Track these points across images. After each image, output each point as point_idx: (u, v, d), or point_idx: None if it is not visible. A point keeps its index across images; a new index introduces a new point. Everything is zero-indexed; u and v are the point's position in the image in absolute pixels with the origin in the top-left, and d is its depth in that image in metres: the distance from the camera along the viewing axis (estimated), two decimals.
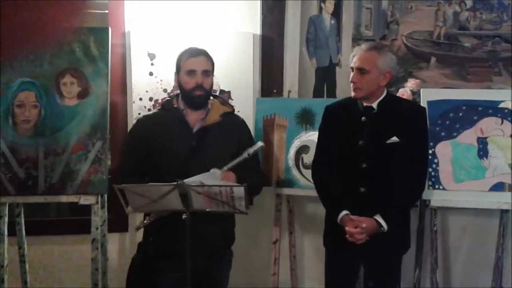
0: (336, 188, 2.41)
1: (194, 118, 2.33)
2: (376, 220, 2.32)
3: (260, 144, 2.35)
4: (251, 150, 2.30)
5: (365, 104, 2.42)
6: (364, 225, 2.31)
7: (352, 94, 2.41)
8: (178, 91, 2.40)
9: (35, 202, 2.77)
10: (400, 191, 2.33)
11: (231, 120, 2.39)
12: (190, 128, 2.30)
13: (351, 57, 2.43)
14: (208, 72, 2.32)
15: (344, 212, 2.36)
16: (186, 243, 2.05)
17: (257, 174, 2.45)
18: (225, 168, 2.22)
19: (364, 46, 2.42)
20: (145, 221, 2.25)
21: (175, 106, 2.35)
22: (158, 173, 2.19)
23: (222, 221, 2.30)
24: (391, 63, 2.39)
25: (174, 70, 2.38)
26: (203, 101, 2.33)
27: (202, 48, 2.37)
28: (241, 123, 2.45)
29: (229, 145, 2.31)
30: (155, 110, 2.46)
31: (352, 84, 2.39)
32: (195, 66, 2.29)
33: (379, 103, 2.41)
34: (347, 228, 2.33)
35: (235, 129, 2.37)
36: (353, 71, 2.39)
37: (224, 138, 2.30)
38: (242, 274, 3.19)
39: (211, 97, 2.41)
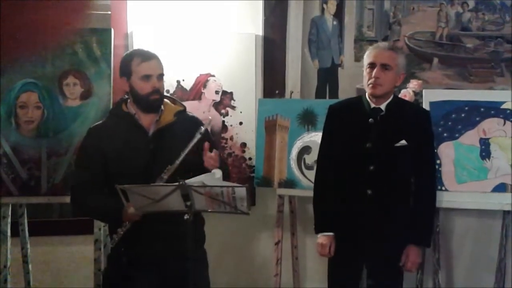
0: (331, 207, 2.43)
1: (148, 121, 2.25)
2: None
3: (209, 120, 2.31)
4: (202, 129, 2.21)
5: (372, 105, 2.41)
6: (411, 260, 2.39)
7: (370, 91, 2.37)
8: (124, 96, 2.31)
9: (38, 202, 2.78)
10: (420, 207, 2.39)
11: (185, 118, 2.33)
12: (146, 131, 2.23)
13: (368, 53, 2.40)
14: (162, 76, 2.26)
15: (330, 234, 2.43)
16: (187, 244, 2.04)
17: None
18: (182, 154, 2.15)
19: (381, 45, 2.44)
20: (118, 233, 2.18)
21: (125, 111, 2.26)
22: (118, 182, 2.07)
23: (192, 221, 2.26)
24: (404, 65, 2.44)
25: (120, 74, 2.26)
26: (159, 104, 2.26)
27: (150, 51, 2.29)
28: (195, 119, 2.37)
29: (186, 143, 2.21)
30: (104, 119, 2.36)
31: (372, 80, 2.34)
32: (150, 70, 2.21)
33: (387, 105, 2.41)
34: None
35: (189, 126, 2.28)
36: (371, 67, 2.35)
37: (181, 136, 2.22)
38: (244, 275, 3.20)
39: None
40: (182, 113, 2.32)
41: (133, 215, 2.11)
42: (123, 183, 2.04)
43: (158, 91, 2.23)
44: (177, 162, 2.15)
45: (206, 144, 2.19)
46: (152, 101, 2.22)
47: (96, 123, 2.35)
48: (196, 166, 2.19)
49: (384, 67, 2.34)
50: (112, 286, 2.28)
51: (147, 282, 2.20)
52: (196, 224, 2.30)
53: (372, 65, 2.36)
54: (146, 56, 2.24)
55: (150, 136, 2.23)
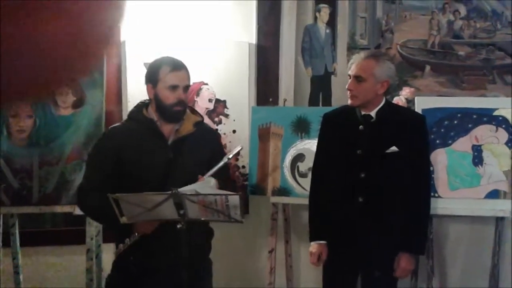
0: (324, 215, 2.44)
1: (169, 130, 2.22)
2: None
3: (239, 148, 2.30)
4: (230, 155, 2.23)
5: (363, 112, 2.41)
6: (402, 267, 2.39)
7: (349, 102, 2.40)
8: (146, 100, 2.28)
9: (29, 212, 2.76)
10: (413, 214, 2.39)
11: (203, 129, 2.32)
12: (165, 140, 2.20)
13: (349, 64, 2.42)
14: (188, 87, 2.23)
15: (322, 242, 2.43)
16: (175, 254, 2.03)
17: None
18: (208, 174, 2.13)
19: (362, 54, 2.41)
20: (125, 243, 2.15)
21: (148, 117, 2.22)
22: (133, 188, 2.05)
23: (199, 232, 2.25)
24: (388, 72, 2.38)
25: (146, 80, 2.22)
26: (182, 116, 2.23)
27: (180, 60, 2.24)
28: (213, 132, 2.40)
29: (204, 155, 2.23)
30: (122, 121, 2.31)
31: (348, 92, 2.38)
32: (178, 81, 2.16)
33: (377, 111, 2.40)
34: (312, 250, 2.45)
35: (208, 138, 2.30)
36: (350, 78, 2.38)
37: (199, 148, 2.22)
38: (238, 284, 3.18)
39: None
40: (200, 124, 2.30)
41: (147, 228, 2.08)
42: (137, 190, 2.02)
43: (182, 103, 2.19)
44: (208, 175, 2.13)
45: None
46: (175, 112, 2.19)
47: (115, 125, 2.31)
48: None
49: (357, 79, 2.34)
50: None
51: None
52: (205, 235, 2.31)
53: (350, 76, 2.38)
54: (176, 66, 2.19)
55: (169, 145, 2.20)
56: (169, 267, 2.14)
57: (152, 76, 2.20)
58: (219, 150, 2.35)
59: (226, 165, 2.23)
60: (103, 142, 2.27)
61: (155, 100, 2.20)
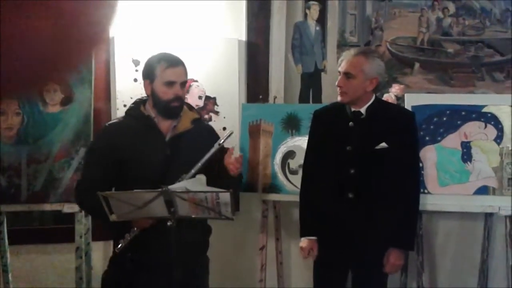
0: (314, 211, 2.44)
1: (166, 126, 2.23)
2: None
3: (229, 132, 2.28)
4: (221, 140, 2.20)
5: (353, 109, 2.42)
6: (391, 263, 2.39)
7: (339, 98, 2.41)
8: (143, 97, 2.28)
9: (18, 210, 2.73)
10: (402, 210, 2.38)
11: (201, 126, 2.33)
12: (163, 136, 2.21)
13: (339, 61, 2.43)
14: (185, 83, 2.25)
15: (313, 238, 2.44)
16: (171, 251, 2.03)
17: (233, 179, 2.37)
18: (199, 164, 2.12)
19: (352, 51, 2.43)
20: (126, 239, 2.13)
21: (146, 114, 2.23)
22: (130, 185, 2.06)
23: (196, 228, 2.25)
24: (378, 69, 2.39)
25: (144, 76, 2.23)
26: (179, 112, 2.24)
27: (177, 56, 2.25)
28: (211, 129, 2.41)
29: (202, 152, 2.20)
30: (120, 118, 2.31)
31: (338, 89, 2.39)
32: (174, 77, 2.18)
33: (367, 108, 2.41)
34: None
35: (205, 135, 2.30)
36: (340, 75, 2.39)
37: (197, 145, 2.22)
38: (229, 281, 3.17)
39: None
40: (198, 121, 2.31)
41: (145, 222, 2.08)
42: (135, 186, 2.02)
43: (179, 99, 2.20)
44: (193, 172, 2.12)
45: (231, 149, 2.20)
46: (172, 108, 2.20)
47: (112, 121, 2.32)
48: (209, 174, 2.16)
49: (346, 75, 2.36)
50: None
51: (150, 287, 2.18)
52: (202, 231, 2.30)
53: (340, 73, 2.40)
54: (173, 62, 2.20)
55: (167, 141, 2.21)
56: (165, 264, 2.13)
57: (149, 72, 2.21)
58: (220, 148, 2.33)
59: (222, 151, 2.22)
60: (100, 139, 2.28)
61: (152, 96, 2.21)
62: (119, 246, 2.13)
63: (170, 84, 2.17)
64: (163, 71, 2.18)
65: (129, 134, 2.19)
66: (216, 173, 2.20)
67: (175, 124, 2.23)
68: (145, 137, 2.19)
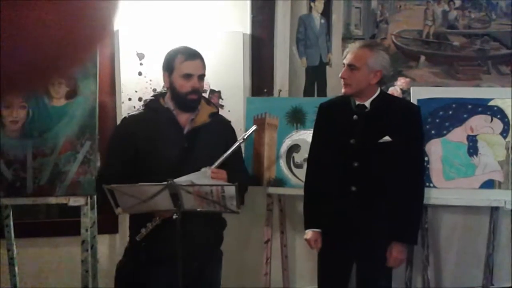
0: (319, 204, 2.45)
1: (184, 119, 2.27)
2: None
3: (254, 127, 2.34)
4: (246, 134, 2.28)
5: (357, 102, 2.41)
6: (394, 256, 2.39)
7: (342, 90, 2.41)
8: (164, 90, 2.34)
9: (23, 204, 2.74)
10: (405, 204, 2.38)
11: (218, 120, 2.36)
12: (181, 129, 2.25)
13: (345, 53, 2.43)
14: (203, 76, 2.28)
15: (317, 230, 2.44)
16: (177, 244, 2.03)
17: (244, 173, 2.45)
18: (223, 157, 2.17)
19: (358, 43, 2.42)
20: (147, 227, 2.15)
21: (165, 106, 2.27)
22: (147, 176, 2.09)
23: (211, 222, 2.28)
24: (382, 62, 2.38)
25: (163, 68, 2.29)
26: (196, 105, 2.28)
27: (195, 49, 2.29)
28: (228, 123, 2.43)
29: (219, 146, 2.26)
30: (140, 110, 2.35)
31: (342, 80, 2.39)
32: (192, 70, 2.22)
33: (372, 101, 2.40)
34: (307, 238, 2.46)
35: (223, 129, 2.34)
36: (344, 67, 2.39)
37: (214, 138, 2.26)
38: (234, 274, 3.18)
39: None
40: (215, 115, 2.35)
41: (167, 212, 2.09)
42: (153, 178, 2.05)
43: (197, 91, 2.24)
44: (216, 164, 2.16)
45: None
46: (190, 100, 2.24)
47: (132, 113, 2.36)
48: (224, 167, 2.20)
49: (350, 67, 2.35)
50: (126, 279, 2.27)
51: (163, 279, 2.20)
52: (216, 225, 2.33)
53: (344, 65, 2.40)
54: (190, 55, 2.24)
55: (185, 134, 2.24)
56: (176, 257, 2.13)
57: (168, 65, 2.25)
58: (234, 141, 2.35)
59: (237, 154, 2.29)
60: (121, 129, 2.33)
61: (171, 89, 2.26)
62: (140, 234, 2.15)
63: (187, 76, 2.21)
64: (181, 63, 2.22)
65: (148, 126, 2.23)
66: (232, 165, 2.23)
67: (193, 117, 2.27)
68: (163, 129, 2.23)
